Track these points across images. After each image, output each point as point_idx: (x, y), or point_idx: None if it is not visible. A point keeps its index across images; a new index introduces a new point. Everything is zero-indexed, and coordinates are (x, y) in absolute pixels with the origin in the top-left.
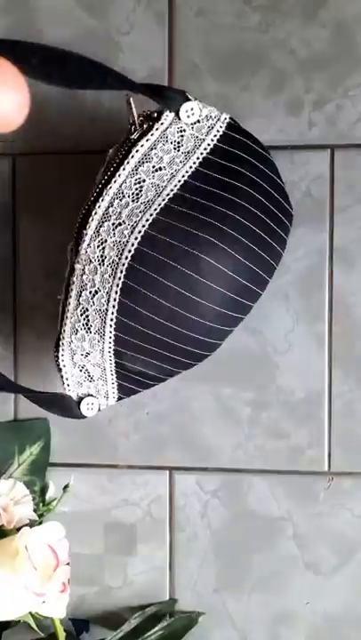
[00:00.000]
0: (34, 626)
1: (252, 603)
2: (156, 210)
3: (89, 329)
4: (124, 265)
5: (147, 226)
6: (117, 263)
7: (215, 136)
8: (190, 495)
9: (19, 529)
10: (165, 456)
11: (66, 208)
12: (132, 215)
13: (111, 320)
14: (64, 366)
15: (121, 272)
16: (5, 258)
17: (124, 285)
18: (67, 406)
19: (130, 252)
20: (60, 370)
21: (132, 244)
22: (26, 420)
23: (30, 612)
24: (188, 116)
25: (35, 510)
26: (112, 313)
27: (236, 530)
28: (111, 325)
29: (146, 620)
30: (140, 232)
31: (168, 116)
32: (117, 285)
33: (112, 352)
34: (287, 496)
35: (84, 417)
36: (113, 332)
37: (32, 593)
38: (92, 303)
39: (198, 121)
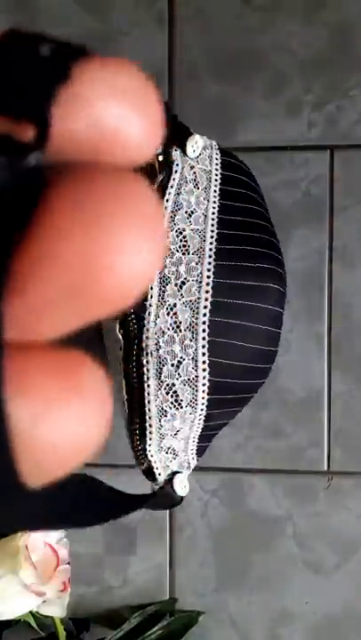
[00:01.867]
0: (34, 625)
1: (252, 602)
2: (211, 257)
3: (180, 404)
4: (204, 323)
5: (212, 276)
6: (195, 323)
7: (217, 165)
8: (190, 495)
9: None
10: None
11: None
12: (191, 269)
13: (203, 385)
14: (152, 456)
15: (203, 331)
16: None
17: (210, 343)
18: (169, 502)
19: (206, 307)
20: (145, 461)
21: (206, 299)
22: None
23: (31, 612)
24: (194, 150)
25: None
26: (204, 377)
27: (235, 529)
28: (204, 391)
29: (146, 619)
30: (208, 284)
31: (177, 156)
32: (203, 347)
33: (203, 418)
34: (287, 496)
35: (182, 499)
36: (206, 397)
37: (32, 592)
38: (177, 376)
39: (201, 154)
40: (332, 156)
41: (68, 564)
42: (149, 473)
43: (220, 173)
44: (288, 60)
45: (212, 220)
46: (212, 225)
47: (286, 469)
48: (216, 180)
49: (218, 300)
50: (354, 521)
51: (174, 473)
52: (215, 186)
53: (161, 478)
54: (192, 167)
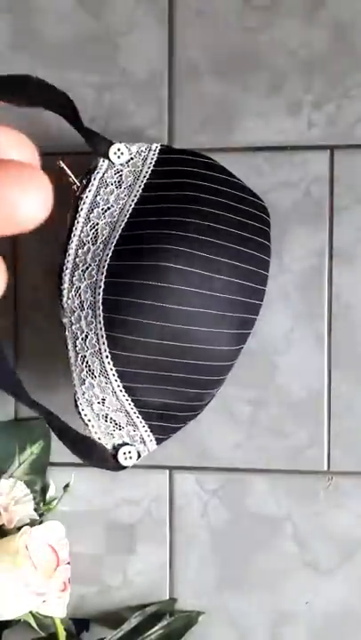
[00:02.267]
0: (34, 625)
1: (252, 602)
2: (113, 243)
3: (93, 374)
4: (99, 301)
5: (108, 260)
6: (94, 302)
7: (150, 163)
8: (190, 495)
9: (19, 528)
10: (165, 455)
11: (65, 207)
12: (95, 256)
13: (107, 357)
14: (89, 420)
15: (99, 308)
16: (5, 256)
17: (105, 320)
18: (102, 457)
19: (100, 287)
20: (86, 424)
21: (101, 280)
22: (26, 419)
23: (31, 612)
24: (119, 157)
25: (35, 509)
26: (105, 350)
27: (236, 529)
28: (109, 363)
29: (146, 619)
30: (104, 267)
31: (103, 164)
32: (100, 322)
33: (122, 389)
34: (287, 495)
35: (124, 467)
36: (113, 368)
37: (33, 592)
38: (86, 348)
39: (132, 158)
40: (333, 156)
41: (68, 563)
42: (86, 438)
43: (152, 170)
44: (288, 59)
45: (127, 211)
46: (125, 216)
47: (286, 469)
48: (144, 177)
49: (113, 280)
50: (354, 521)
51: (122, 444)
52: (141, 182)
53: (107, 444)
54: (118, 171)
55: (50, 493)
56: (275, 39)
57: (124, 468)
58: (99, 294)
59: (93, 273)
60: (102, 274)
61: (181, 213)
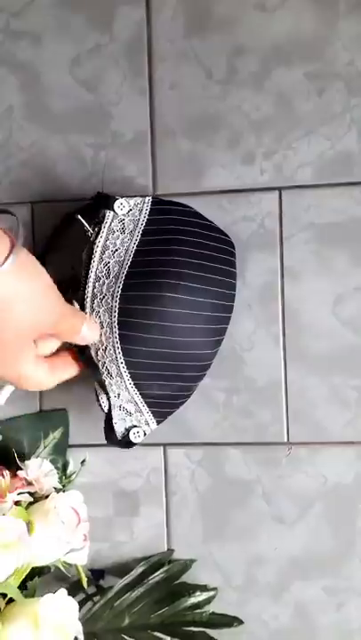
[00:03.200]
0: (62, 569)
1: (232, 550)
2: (122, 277)
3: (111, 376)
4: (115, 322)
5: (120, 290)
6: (110, 322)
7: (145, 212)
8: (180, 465)
9: (47, 496)
10: (159, 435)
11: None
12: (109, 287)
13: (122, 363)
14: (108, 409)
15: (115, 327)
16: None
17: (120, 336)
18: (116, 439)
19: (115, 311)
20: (108, 414)
21: (116, 306)
22: (49, 410)
23: (59, 560)
24: (122, 209)
25: (59, 481)
26: (120, 358)
27: (217, 492)
28: (123, 367)
29: (149, 567)
30: (117, 296)
31: (109, 216)
32: (116, 337)
33: (133, 386)
34: (256, 463)
35: (134, 444)
36: (127, 371)
37: (62, 541)
38: (106, 357)
39: (131, 209)
40: (280, 196)
41: (87, 522)
42: (108, 423)
43: (147, 219)
44: (242, 120)
45: (131, 252)
46: (130, 256)
47: (255, 442)
48: (142, 225)
49: (124, 306)
50: (309, 481)
51: (132, 427)
52: (140, 229)
53: (117, 427)
54: (121, 220)
55: (69, 469)
56: (232, 105)
57: (135, 444)
58: (114, 317)
59: (109, 300)
60: (116, 301)
61: (173, 253)
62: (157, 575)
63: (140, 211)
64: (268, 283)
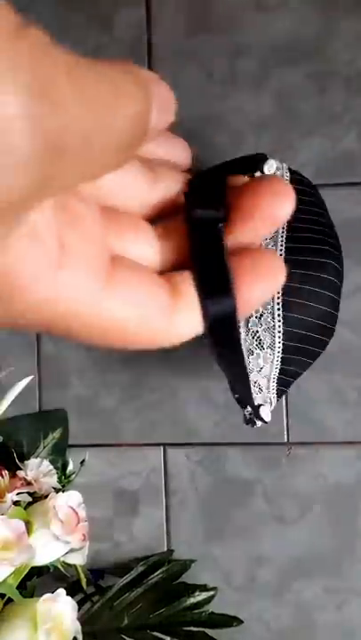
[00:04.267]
0: (62, 569)
1: (233, 549)
2: (282, 239)
3: (262, 346)
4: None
5: (284, 247)
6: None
7: (287, 181)
8: (180, 465)
9: (46, 496)
10: (159, 435)
11: None
12: (267, 244)
13: (279, 332)
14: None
15: (277, 292)
16: None
17: (282, 301)
18: (247, 395)
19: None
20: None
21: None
22: (48, 411)
23: (58, 560)
24: (269, 170)
25: (58, 481)
26: (279, 326)
27: (217, 492)
28: (280, 337)
29: (149, 567)
30: (281, 253)
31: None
32: (278, 304)
33: (280, 360)
34: (256, 462)
35: (266, 422)
36: (282, 342)
37: (60, 541)
38: (260, 325)
39: (274, 173)
40: None
41: (86, 522)
42: (240, 401)
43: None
44: (242, 120)
45: (282, 234)
46: (282, 237)
47: (255, 442)
48: None
49: (290, 270)
50: (310, 481)
51: (259, 405)
52: None
53: (248, 407)
54: None
55: (69, 469)
56: (232, 105)
57: (265, 422)
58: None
59: None
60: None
61: (326, 224)
62: (157, 575)
63: (281, 177)
64: None
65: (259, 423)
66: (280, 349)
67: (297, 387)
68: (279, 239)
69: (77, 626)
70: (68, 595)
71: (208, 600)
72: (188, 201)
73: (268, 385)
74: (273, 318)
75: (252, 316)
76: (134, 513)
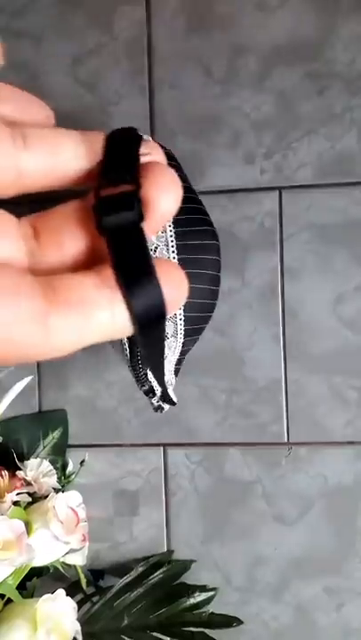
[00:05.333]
0: (61, 569)
1: (232, 550)
2: (171, 225)
3: (166, 336)
4: None
5: (174, 240)
6: None
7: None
8: (180, 466)
9: (46, 496)
10: (159, 435)
11: None
12: (159, 238)
13: (180, 320)
14: (150, 378)
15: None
16: None
17: None
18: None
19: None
20: (150, 384)
21: (173, 256)
22: (48, 411)
23: (58, 561)
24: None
25: (58, 482)
26: (180, 314)
27: (217, 492)
28: (181, 325)
29: (149, 567)
30: (172, 244)
31: None
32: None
33: (181, 345)
34: (256, 463)
35: (175, 403)
36: (183, 329)
37: (60, 541)
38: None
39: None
40: (280, 195)
41: (86, 522)
42: (151, 391)
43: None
44: (242, 120)
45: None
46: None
47: (255, 442)
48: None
49: (182, 256)
50: (310, 481)
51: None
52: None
53: (158, 393)
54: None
55: (69, 469)
56: (232, 105)
57: (174, 403)
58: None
59: (164, 252)
60: (173, 252)
61: (202, 211)
62: (157, 575)
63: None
64: (268, 282)
65: (167, 407)
66: (182, 336)
67: (297, 387)
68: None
69: (77, 626)
70: (68, 595)
71: (208, 600)
72: (98, 207)
73: (170, 368)
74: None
75: None
76: (134, 513)
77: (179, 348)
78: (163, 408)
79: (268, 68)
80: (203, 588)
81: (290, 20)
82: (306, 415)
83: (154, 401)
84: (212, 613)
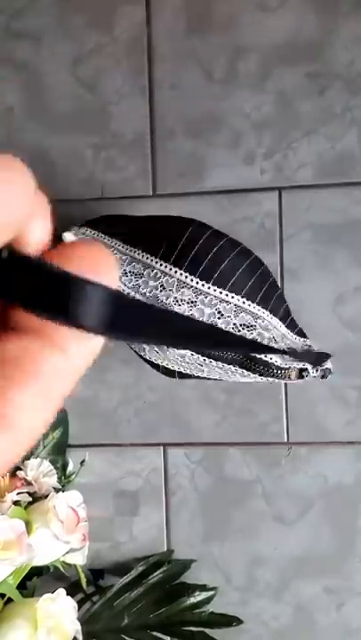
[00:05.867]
0: (61, 569)
1: (232, 549)
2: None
3: (253, 327)
4: None
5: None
6: None
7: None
8: (180, 465)
9: (46, 496)
10: (159, 435)
11: None
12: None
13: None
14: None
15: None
16: None
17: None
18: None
19: None
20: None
21: None
22: None
23: (58, 560)
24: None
25: (58, 482)
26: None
27: (217, 492)
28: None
29: (149, 567)
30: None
31: None
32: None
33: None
34: (256, 463)
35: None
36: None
37: (60, 541)
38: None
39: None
40: (280, 195)
41: (86, 521)
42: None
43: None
44: (243, 120)
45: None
46: None
47: (255, 442)
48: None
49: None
50: (310, 481)
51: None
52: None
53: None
54: None
55: (69, 469)
56: (232, 105)
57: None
58: None
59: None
60: None
61: None
62: (157, 575)
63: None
64: None
65: (329, 364)
66: (257, 306)
67: (297, 387)
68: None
69: (77, 626)
70: (68, 595)
71: (208, 600)
72: None
73: (284, 330)
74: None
75: (223, 315)
76: (134, 513)
77: (279, 322)
78: (327, 370)
79: (269, 68)
80: (203, 588)
81: (290, 20)
82: (306, 415)
83: (313, 373)
84: (212, 613)
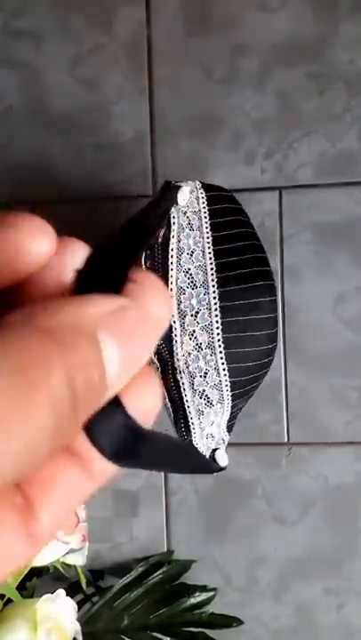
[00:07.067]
0: (61, 569)
1: (233, 550)
2: (214, 286)
3: (211, 404)
4: (219, 340)
5: (217, 302)
6: (212, 342)
7: (204, 203)
8: None
9: None
10: None
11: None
12: (201, 300)
13: (226, 386)
14: (197, 444)
15: (219, 347)
16: None
17: (226, 355)
18: (201, 462)
19: (218, 328)
20: (194, 443)
21: (217, 321)
22: None
23: (58, 561)
24: (184, 199)
25: None
26: (225, 380)
27: (217, 492)
28: (227, 390)
29: (149, 568)
30: (215, 309)
31: (173, 212)
32: (221, 359)
33: (229, 409)
34: (257, 463)
35: (223, 468)
36: (230, 394)
37: (60, 541)
38: (206, 383)
39: (189, 198)
40: (280, 195)
41: (85, 522)
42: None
43: (207, 209)
44: (243, 120)
45: (209, 253)
46: (210, 258)
47: (255, 442)
48: (205, 217)
49: (226, 319)
50: (310, 481)
51: (214, 450)
52: (206, 222)
53: (207, 457)
54: (185, 212)
55: None
56: (233, 104)
57: (223, 468)
58: (218, 334)
59: (206, 316)
60: (216, 316)
61: (252, 249)
62: (157, 576)
63: (197, 200)
64: None
65: (225, 463)
66: (229, 401)
67: (297, 387)
68: (210, 279)
69: (77, 626)
70: (67, 595)
71: (208, 601)
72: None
73: (219, 431)
74: (218, 374)
75: (195, 375)
76: (134, 513)
77: (227, 412)
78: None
79: (269, 68)
80: (203, 588)
81: (290, 20)
82: (306, 415)
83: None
84: (213, 613)
